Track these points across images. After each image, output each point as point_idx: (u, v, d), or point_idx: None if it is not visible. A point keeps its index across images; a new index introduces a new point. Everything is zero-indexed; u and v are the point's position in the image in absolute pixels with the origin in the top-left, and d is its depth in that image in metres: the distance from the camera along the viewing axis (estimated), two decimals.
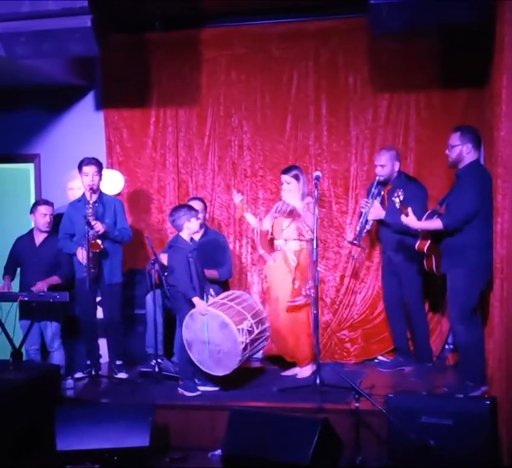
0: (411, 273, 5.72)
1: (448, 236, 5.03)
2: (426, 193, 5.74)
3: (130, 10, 6.09)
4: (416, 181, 5.86)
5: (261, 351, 5.71)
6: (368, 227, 5.83)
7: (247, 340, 5.19)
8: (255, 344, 5.35)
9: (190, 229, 5.50)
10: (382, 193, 5.81)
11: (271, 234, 5.86)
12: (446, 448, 4.19)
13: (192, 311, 5.26)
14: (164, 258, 5.69)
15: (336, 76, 6.54)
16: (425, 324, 5.89)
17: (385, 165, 5.72)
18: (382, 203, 5.76)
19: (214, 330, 5.20)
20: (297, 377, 5.68)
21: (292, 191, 5.67)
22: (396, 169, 5.76)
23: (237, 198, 5.90)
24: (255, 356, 5.85)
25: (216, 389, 5.39)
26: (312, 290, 5.40)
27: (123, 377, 5.84)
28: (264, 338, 5.46)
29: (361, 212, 5.85)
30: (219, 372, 5.26)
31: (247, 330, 5.21)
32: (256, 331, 5.30)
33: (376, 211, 5.69)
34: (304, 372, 5.70)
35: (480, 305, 5.09)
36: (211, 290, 5.58)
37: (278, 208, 5.86)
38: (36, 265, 5.99)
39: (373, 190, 5.83)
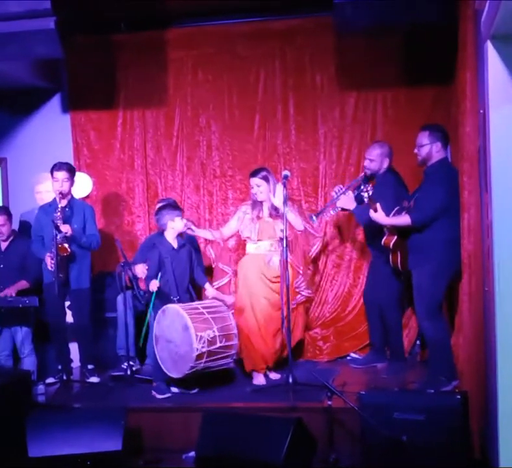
0: (386, 272, 5.67)
1: (415, 233, 5.06)
2: (405, 192, 5.67)
3: (94, 11, 6.04)
4: (397, 177, 5.78)
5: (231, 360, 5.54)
6: (332, 212, 5.84)
7: (204, 350, 5.07)
8: (215, 357, 5.18)
9: (174, 229, 5.49)
10: (362, 187, 5.66)
11: (247, 237, 5.71)
12: (419, 443, 4.20)
13: (165, 306, 5.25)
14: (139, 268, 5.64)
15: (303, 75, 6.56)
16: (398, 323, 5.86)
17: (374, 160, 5.69)
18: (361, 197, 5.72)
19: (178, 331, 5.16)
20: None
21: (263, 193, 5.62)
22: (384, 165, 5.71)
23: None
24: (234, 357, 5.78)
25: (183, 390, 5.35)
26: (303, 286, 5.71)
27: (94, 382, 5.79)
28: (227, 354, 5.26)
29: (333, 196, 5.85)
30: (174, 374, 5.21)
31: (207, 340, 5.09)
32: (217, 344, 5.15)
33: (346, 200, 5.68)
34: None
35: (448, 300, 5.13)
36: (207, 285, 5.62)
37: (260, 210, 5.68)
38: (3, 270, 5.91)
39: (353, 181, 5.86)
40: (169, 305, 5.26)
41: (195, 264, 5.65)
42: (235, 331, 5.34)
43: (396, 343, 5.85)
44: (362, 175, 5.82)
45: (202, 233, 5.82)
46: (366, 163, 5.76)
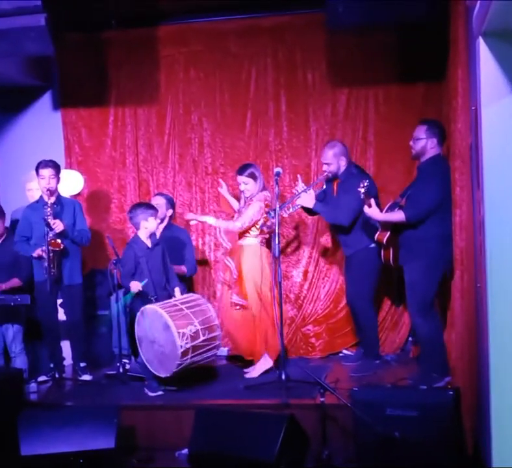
0: (359, 270, 5.71)
1: (407, 229, 5.06)
2: (374, 187, 5.70)
3: (85, 8, 6.02)
4: (364, 174, 5.79)
5: (223, 350, 5.56)
6: (291, 210, 5.80)
7: (189, 346, 5.07)
8: (200, 350, 5.18)
9: (147, 228, 5.49)
10: (324, 187, 5.85)
11: None
12: (411, 439, 4.21)
13: (143, 307, 5.24)
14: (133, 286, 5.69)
15: (295, 72, 6.55)
16: (371, 323, 5.83)
17: (331, 163, 5.70)
18: (327, 193, 5.80)
19: (159, 330, 5.15)
20: (248, 376, 5.65)
21: (250, 191, 5.69)
22: (343, 164, 5.71)
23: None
24: (219, 354, 5.80)
25: (174, 388, 5.34)
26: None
27: (87, 380, 5.78)
28: (212, 346, 5.29)
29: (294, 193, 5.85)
30: (162, 373, 5.20)
31: (190, 335, 5.09)
32: (201, 338, 5.16)
33: (306, 198, 5.66)
34: (258, 367, 5.67)
35: (439, 297, 5.14)
36: (176, 290, 5.56)
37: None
38: None
39: (317, 180, 5.89)
40: (147, 306, 5.24)
41: (169, 263, 5.66)
42: (217, 321, 5.36)
43: (369, 341, 5.86)
44: (324, 174, 5.79)
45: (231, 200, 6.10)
46: (324, 168, 5.77)
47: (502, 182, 3.68)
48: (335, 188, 5.79)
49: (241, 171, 5.73)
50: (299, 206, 5.75)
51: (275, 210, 5.42)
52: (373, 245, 5.50)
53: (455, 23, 4.51)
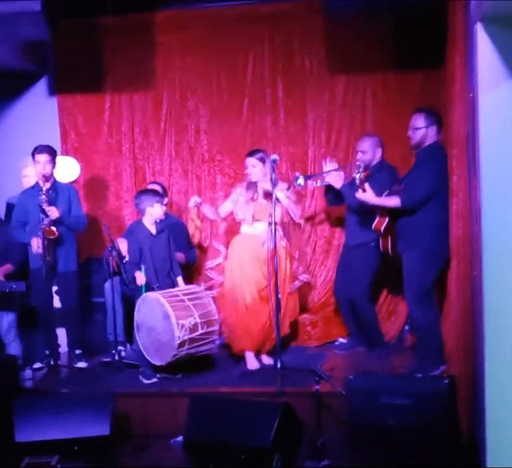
0: (362, 265, 5.68)
1: (404, 217, 5.04)
2: (395, 181, 5.68)
3: None
4: (391, 168, 5.72)
5: (217, 342, 5.50)
6: (319, 183, 5.79)
7: (186, 337, 5.06)
8: (197, 343, 5.18)
9: (153, 215, 5.47)
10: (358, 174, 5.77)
11: (242, 219, 5.69)
12: (406, 427, 4.22)
13: (145, 294, 5.23)
14: (122, 244, 5.64)
15: (292, 59, 6.51)
16: (372, 314, 5.84)
17: (366, 151, 5.65)
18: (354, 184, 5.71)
19: (158, 319, 5.14)
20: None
21: (257, 174, 5.61)
22: (378, 155, 5.69)
23: (192, 202, 5.67)
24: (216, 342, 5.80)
25: (169, 376, 5.32)
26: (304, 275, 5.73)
27: (82, 367, 5.78)
28: (209, 340, 5.28)
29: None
30: (157, 361, 5.21)
31: (189, 327, 5.08)
32: (199, 331, 5.15)
33: (336, 177, 5.66)
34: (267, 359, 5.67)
35: (436, 285, 5.13)
36: (179, 279, 5.57)
37: (254, 192, 5.67)
38: None
39: (354, 165, 5.73)
40: (149, 293, 5.23)
41: (173, 250, 5.62)
42: (216, 316, 5.32)
43: (373, 333, 5.85)
44: (357, 164, 5.62)
45: (206, 210, 5.71)
46: (359, 156, 5.70)
47: (499, 170, 3.66)
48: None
49: (252, 153, 5.66)
50: (326, 183, 5.72)
51: (303, 177, 5.67)
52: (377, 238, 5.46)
53: (453, 8, 4.46)
